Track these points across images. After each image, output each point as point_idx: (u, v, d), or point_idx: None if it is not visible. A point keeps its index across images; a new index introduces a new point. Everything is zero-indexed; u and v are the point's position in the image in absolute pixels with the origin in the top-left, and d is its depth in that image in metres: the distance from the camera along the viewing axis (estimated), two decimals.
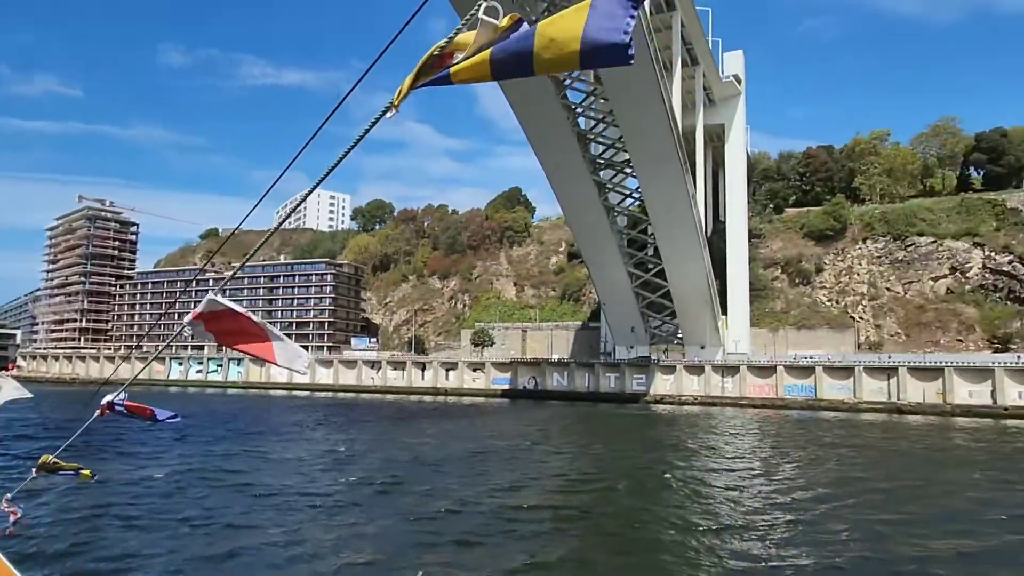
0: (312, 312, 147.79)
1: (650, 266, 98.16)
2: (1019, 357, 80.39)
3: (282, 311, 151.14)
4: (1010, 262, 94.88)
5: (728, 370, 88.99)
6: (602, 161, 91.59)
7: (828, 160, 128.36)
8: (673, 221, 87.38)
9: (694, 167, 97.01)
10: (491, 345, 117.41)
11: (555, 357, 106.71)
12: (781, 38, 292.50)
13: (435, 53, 2.17)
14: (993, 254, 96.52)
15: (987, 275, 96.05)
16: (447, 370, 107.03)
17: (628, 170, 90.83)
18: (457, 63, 2.13)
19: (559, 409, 76.82)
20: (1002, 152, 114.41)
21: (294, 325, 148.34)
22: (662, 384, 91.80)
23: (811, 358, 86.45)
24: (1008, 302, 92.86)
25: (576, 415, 69.44)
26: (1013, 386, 73.13)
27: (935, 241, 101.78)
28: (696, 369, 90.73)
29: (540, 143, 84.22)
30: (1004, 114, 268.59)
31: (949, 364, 77.16)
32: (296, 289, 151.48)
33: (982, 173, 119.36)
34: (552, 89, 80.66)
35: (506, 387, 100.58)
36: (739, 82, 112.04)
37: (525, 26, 2.10)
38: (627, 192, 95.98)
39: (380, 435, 43.14)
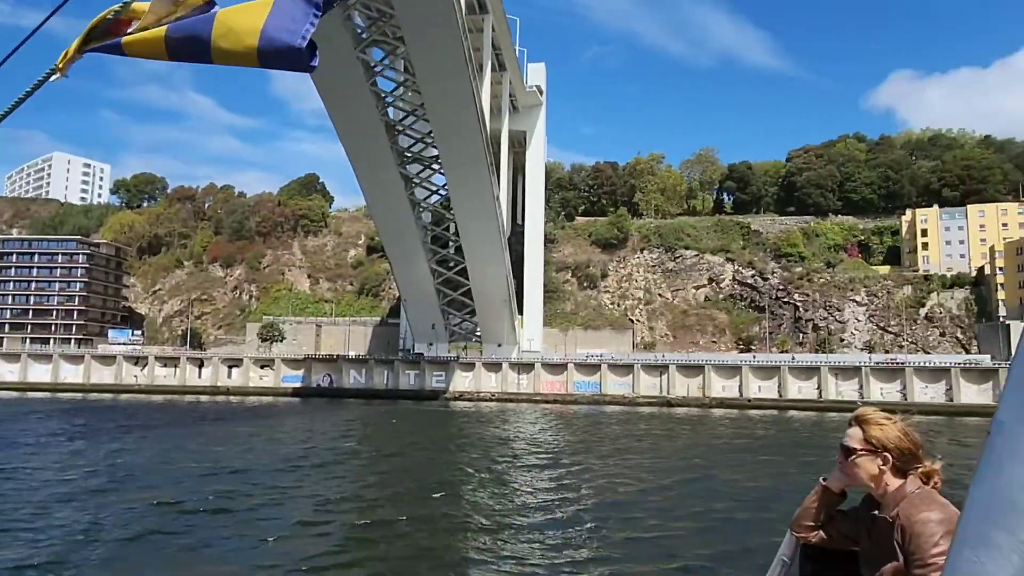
0: (57, 298, 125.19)
1: (452, 264, 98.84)
2: (755, 356, 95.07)
3: (14, 295, 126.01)
4: (752, 276, 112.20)
5: (524, 367, 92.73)
6: (410, 155, 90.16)
7: (613, 175, 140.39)
8: (478, 221, 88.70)
9: (498, 170, 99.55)
10: (281, 340, 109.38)
11: (352, 354, 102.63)
12: (575, 60, 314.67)
13: (108, 16, 2.00)
14: (740, 268, 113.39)
15: (736, 286, 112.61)
16: (230, 367, 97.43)
17: (436, 166, 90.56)
18: (132, 32, 1.99)
19: (358, 408, 73.77)
20: (748, 182, 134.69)
21: (31, 312, 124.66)
22: (461, 381, 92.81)
23: (599, 356, 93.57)
24: (750, 309, 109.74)
25: (378, 414, 67.13)
26: (754, 381, 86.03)
27: (697, 255, 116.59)
28: (494, 366, 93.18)
29: (346, 129, 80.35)
30: (750, 150, 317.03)
31: (708, 362, 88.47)
32: (36, 270, 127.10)
33: (732, 199, 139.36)
34: (362, 74, 77.33)
35: (298, 385, 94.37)
36: (541, 93, 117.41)
37: (216, 9, 1.99)
38: (434, 188, 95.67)
39: (165, 443, 37.22)
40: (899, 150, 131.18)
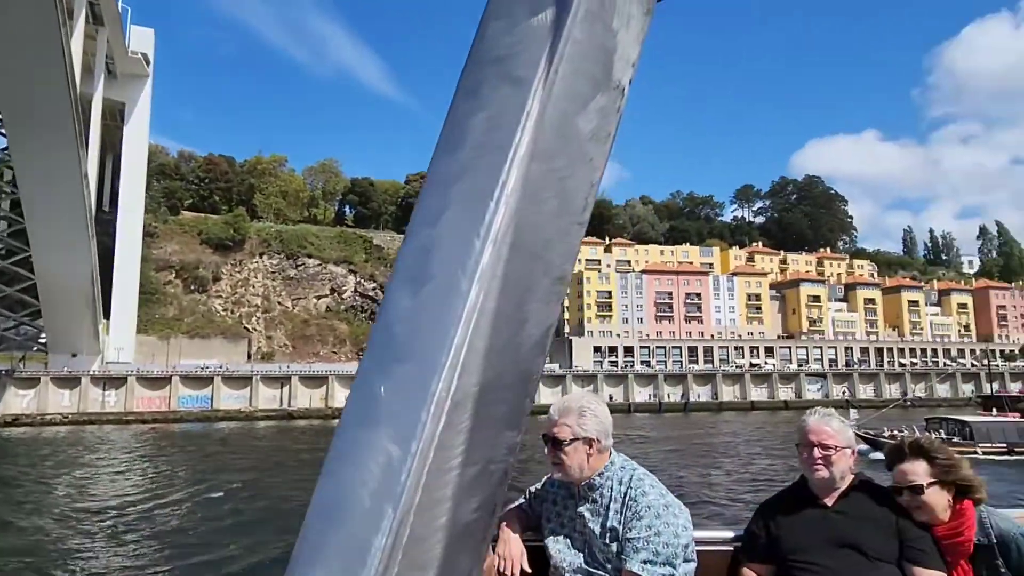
0: None
1: (6, 251, 77.66)
2: None
3: None
4: (374, 288, 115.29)
5: (112, 382, 77.16)
6: None
7: (229, 171, 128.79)
8: (55, 200, 71.14)
9: (87, 142, 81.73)
10: None
11: None
12: (182, 38, 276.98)
13: None
14: (363, 280, 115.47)
15: (358, 297, 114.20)
16: None
17: None
18: None
19: None
20: (369, 198, 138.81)
21: None
22: (16, 402, 72.26)
23: (214, 367, 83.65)
24: (370, 321, 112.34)
25: None
26: None
27: (320, 264, 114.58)
28: (69, 382, 75.18)
29: None
30: (373, 167, 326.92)
31: (331, 373, 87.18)
32: None
33: (355, 212, 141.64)
34: None
35: None
36: (148, 63, 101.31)
37: None
38: None
39: None
40: None
